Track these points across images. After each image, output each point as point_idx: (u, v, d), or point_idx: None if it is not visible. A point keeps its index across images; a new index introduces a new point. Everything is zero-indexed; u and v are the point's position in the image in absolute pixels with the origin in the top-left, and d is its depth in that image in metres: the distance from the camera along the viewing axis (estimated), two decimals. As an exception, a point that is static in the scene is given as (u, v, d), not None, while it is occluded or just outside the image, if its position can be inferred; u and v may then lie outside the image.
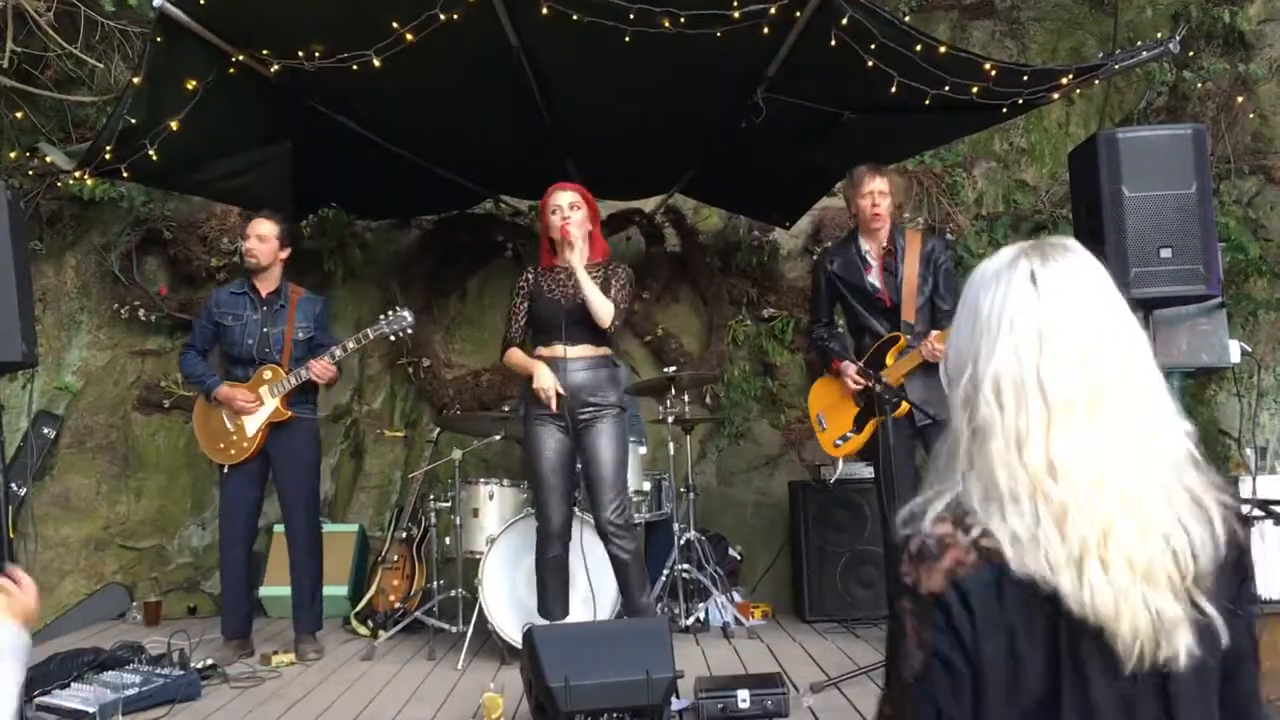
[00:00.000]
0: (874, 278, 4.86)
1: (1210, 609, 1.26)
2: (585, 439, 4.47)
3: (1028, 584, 1.25)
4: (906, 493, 4.93)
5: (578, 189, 4.58)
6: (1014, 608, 1.25)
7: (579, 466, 4.59)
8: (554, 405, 4.39)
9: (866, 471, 5.34)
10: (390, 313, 4.99)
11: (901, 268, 4.81)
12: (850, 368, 4.82)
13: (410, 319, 4.99)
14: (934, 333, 4.64)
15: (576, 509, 4.68)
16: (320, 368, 4.92)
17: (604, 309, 4.38)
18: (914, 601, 1.29)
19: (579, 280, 4.39)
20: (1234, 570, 1.32)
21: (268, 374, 5.00)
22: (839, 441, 4.93)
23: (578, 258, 4.41)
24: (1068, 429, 1.29)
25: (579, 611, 4.68)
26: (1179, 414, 1.35)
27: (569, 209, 4.47)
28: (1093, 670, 1.25)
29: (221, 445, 5.03)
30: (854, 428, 4.88)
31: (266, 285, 5.10)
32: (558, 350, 4.48)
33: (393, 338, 5.08)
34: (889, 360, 4.74)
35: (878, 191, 4.80)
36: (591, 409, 4.43)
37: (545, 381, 4.40)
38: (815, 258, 5.97)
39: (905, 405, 4.50)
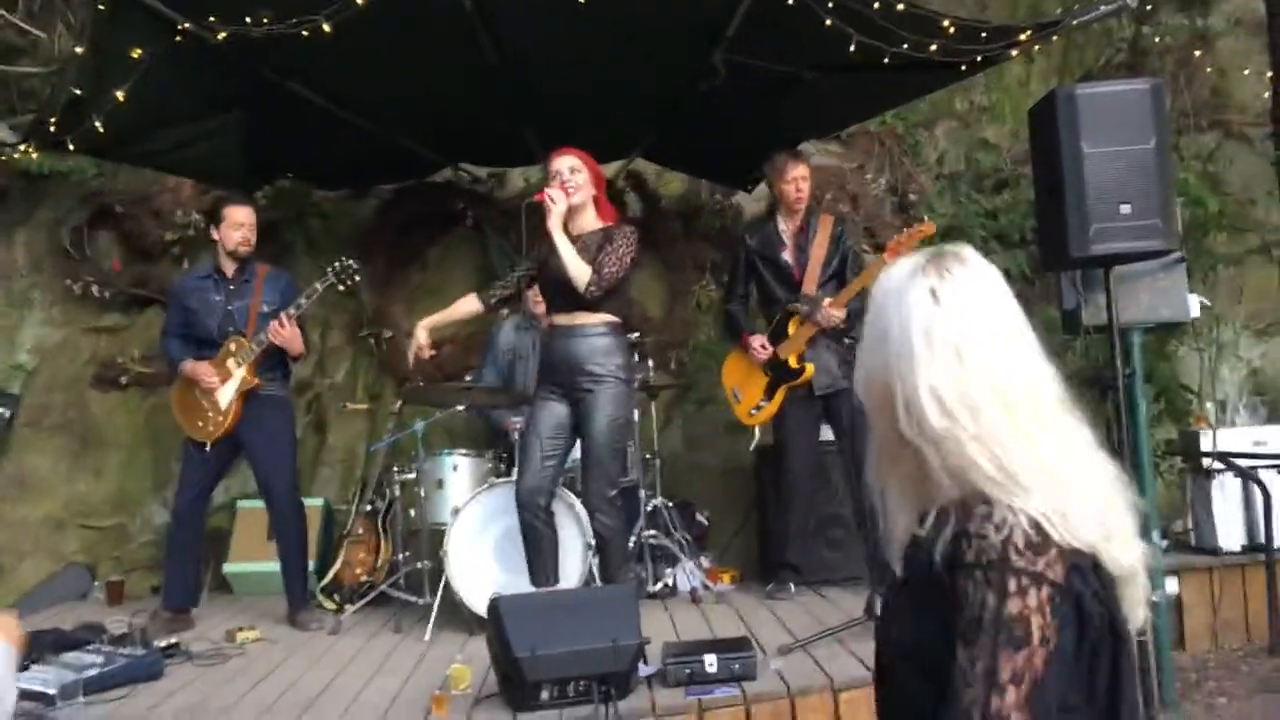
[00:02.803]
0: (788, 255, 5.26)
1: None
2: (580, 411, 4.37)
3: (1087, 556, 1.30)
4: (804, 458, 5.21)
5: (579, 154, 4.40)
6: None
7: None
8: (410, 362, 4.63)
9: (831, 434, 5.35)
10: (337, 263, 4.96)
11: (811, 246, 5.21)
12: (756, 339, 5.24)
13: (355, 265, 4.98)
14: (826, 300, 5.05)
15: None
16: (274, 326, 4.87)
17: (578, 274, 4.22)
18: (1040, 596, 1.24)
19: (554, 243, 4.24)
20: None
21: (233, 345, 4.98)
22: (753, 411, 5.31)
23: (555, 221, 4.24)
24: (1031, 433, 1.32)
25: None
26: None
27: (569, 173, 4.34)
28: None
29: (200, 423, 5.02)
30: (765, 396, 5.25)
31: (232, 266, 5.06)
32: (558, 319, 4.42)
33: (341, 286, 5.03)
34: (790, 329, 5.15)
35: (801, 178, 5.20)
36: (589, 379, 4.32)
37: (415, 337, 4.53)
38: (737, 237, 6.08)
39: (810, 370, 5.07)
